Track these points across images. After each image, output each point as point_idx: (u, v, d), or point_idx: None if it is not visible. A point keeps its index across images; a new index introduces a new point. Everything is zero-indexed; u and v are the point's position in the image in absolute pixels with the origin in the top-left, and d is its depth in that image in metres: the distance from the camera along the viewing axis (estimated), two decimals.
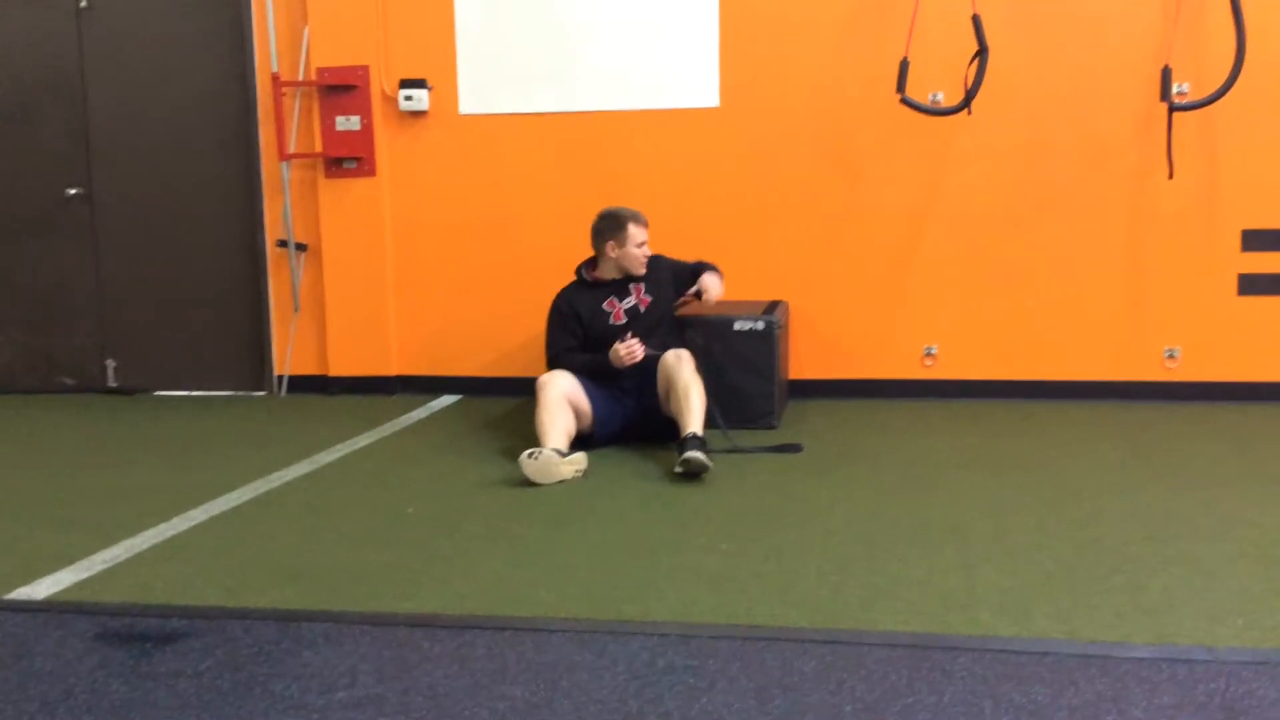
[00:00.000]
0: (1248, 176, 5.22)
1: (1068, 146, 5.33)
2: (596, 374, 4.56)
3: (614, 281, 4.75)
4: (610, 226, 4.71)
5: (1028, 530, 3.41)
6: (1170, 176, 5.15)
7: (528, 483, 4.02)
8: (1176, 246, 5.31)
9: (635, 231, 4.68)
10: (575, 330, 4.70)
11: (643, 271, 4.72)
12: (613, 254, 4.71)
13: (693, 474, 4.06)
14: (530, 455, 4.04)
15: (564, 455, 4.12)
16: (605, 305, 4.71)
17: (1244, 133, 5.19)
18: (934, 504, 3.72)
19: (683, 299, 4.92)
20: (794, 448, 4.53)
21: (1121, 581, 2.95)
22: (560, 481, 4.05)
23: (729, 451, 4.40)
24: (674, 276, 4.89)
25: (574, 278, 4.82)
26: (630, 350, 4.46)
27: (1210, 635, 2.59)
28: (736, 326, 4.95)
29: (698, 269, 4.94)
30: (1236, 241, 5.26)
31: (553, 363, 4.66)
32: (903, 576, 3.02)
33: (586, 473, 4.16)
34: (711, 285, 4.86)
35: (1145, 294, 5.36)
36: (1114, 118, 5.28)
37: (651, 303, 4.74)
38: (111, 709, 2.32)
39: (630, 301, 4.72)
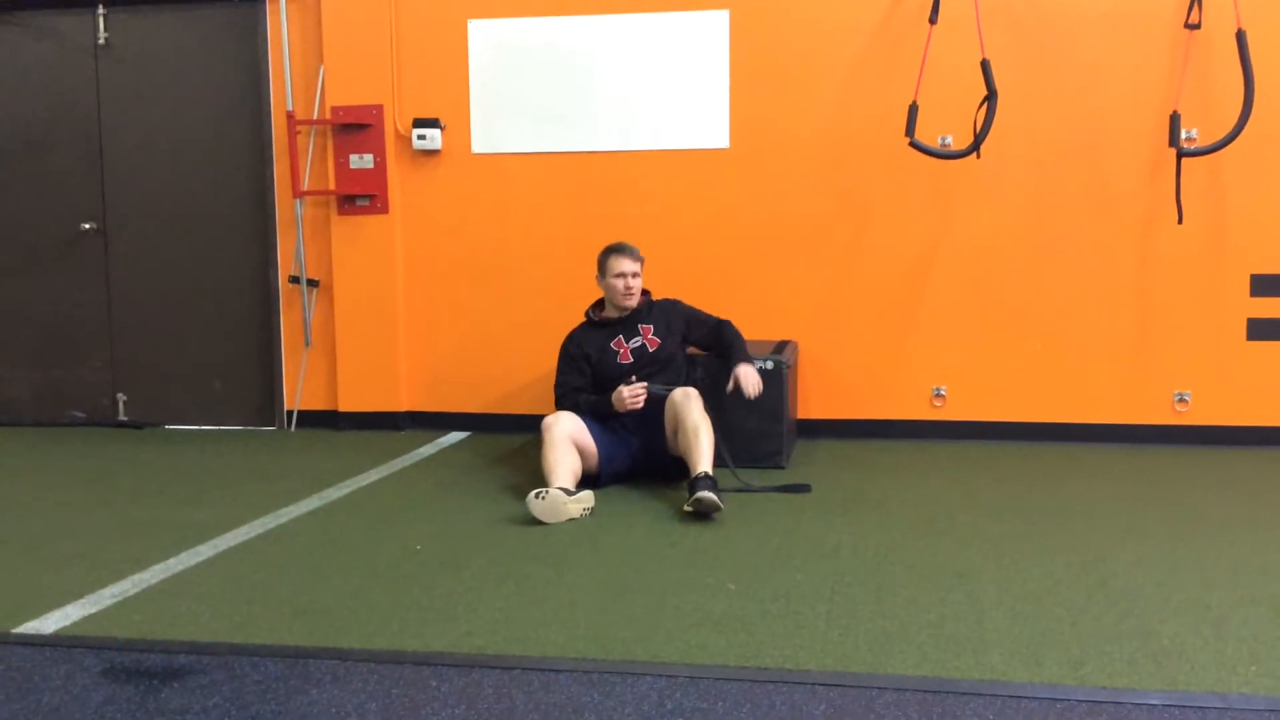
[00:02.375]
0: (1257, 221, 5.24)
1: (1077, 190, 5.36)
2: (601, 415, 4.57)
3: (621, 320, 4.76)
4: (599, 262, 4.75)
5: (1037, 575, 3.39)
6: (1180, 221, 5.17)
7: (535, 521, 4.01)
8: (1185, 291, 5.32)
9: (613, 262, 4.68)
10: (584, 370, 4.71)
11: (628, 304, 4.70)
12: (602, 288, 4.74)
13: (703, 514, 4.05)
14: (537, 495, 4.04)
15: (571, 494, 4.12)
16: (613, 344, 4.72)
17: (1253, 178, 5.21)
18: (943, 547, 3.71)
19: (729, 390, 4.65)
20: (802, 488, 4.52)
21: (1132, 627, 2.93)
22: (568, 520, 4.05)
23: (737, 490, 4.40)
24: (689, 324, 4.85)
25: (583, 319, 4.84)
26: (635, 397, 4.47)
27: (1222, 682, 2.57)
28: None
29: (721, 331, 4.80)
30: (1246, 286, 5.27)
31: (560, 403, 4.67)
32: (912, 620, 3.01)
33: (594, 511, 4.16)
34: (747, 379, 4.60)
35: (1155, 338, 5.36)
36: (1123, 162, 5.31)
37: (660, 344, 4.73)
38: None
39: (638, 341, 4.72)
